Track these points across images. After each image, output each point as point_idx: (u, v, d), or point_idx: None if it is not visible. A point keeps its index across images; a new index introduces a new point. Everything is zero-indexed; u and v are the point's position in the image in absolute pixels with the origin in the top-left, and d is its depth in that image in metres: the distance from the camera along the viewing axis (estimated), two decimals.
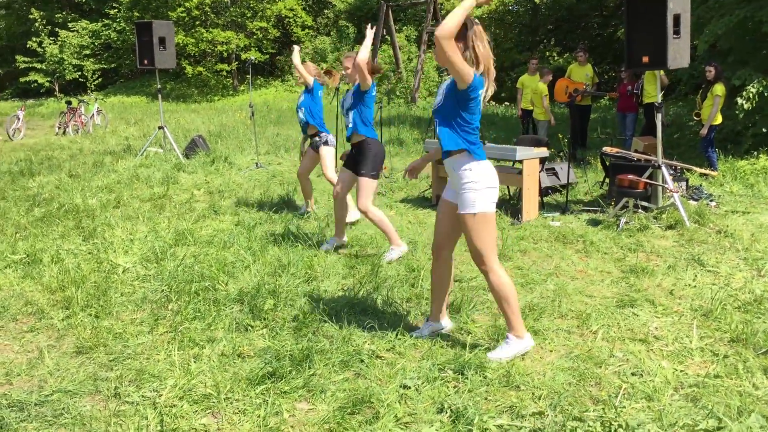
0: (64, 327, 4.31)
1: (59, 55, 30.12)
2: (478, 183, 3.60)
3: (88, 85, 30.28)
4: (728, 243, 6.00)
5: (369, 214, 5.55)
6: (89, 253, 5.89)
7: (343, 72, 5.62)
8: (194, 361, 3.76)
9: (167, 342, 4.04)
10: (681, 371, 3.59)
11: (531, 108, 11.54)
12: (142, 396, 3.37)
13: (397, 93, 24.86)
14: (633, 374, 3.54)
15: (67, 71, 30.42)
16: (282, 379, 3.50)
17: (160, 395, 3.35)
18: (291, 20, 30.23)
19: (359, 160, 5.62)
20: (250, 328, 4.25)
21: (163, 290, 4.91)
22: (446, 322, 4.15)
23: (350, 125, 5.68)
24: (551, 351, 3.87)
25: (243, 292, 4.76)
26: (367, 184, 5.54)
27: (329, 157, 7.00)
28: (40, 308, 4.61)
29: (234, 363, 3.75)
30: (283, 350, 3.82)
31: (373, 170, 5.56)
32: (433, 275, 4.02)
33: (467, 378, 3.49)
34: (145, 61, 11.24)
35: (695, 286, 4.93)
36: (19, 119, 16.22)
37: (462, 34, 3.47)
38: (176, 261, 5.59)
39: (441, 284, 4.01)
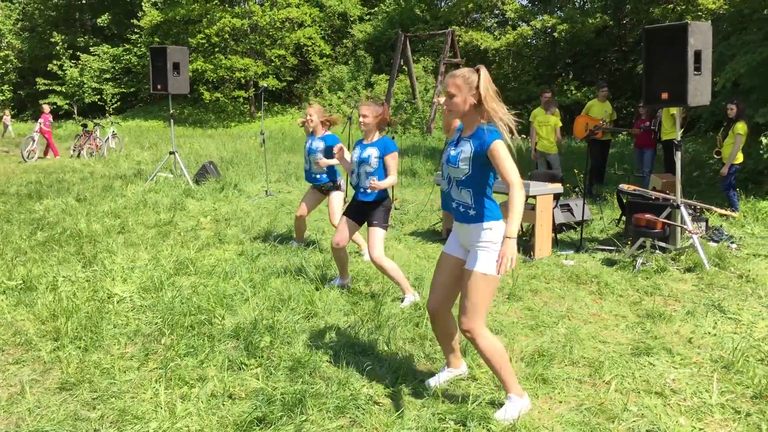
0: (50, 360, 4.13)
1: (79, 79, 30.45)
2: (498, 244, 3.40)
3: (107, 108, 30.55)
4: (750, 288, 5.74)
5: (384, 263, 5.27)
6: (86, 281, 5.74)
7: (360, 120, 5.37)
8: (181, 402, 3.56)
9: (155, 379, 3.84)
10: (700, 429, 3.34)
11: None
12: None
13: (413, 123, 24.80)
14: (648, 431, 3.30)
15: (86, 94, 30.72)
16: (271, 426, 3.29)
17: None
18: (309, 48, 30.41)
19: (368, 210, 5.37)
20: (243, 366, 4.04)
21: (157, 323, 4.73)
22: (465, 367, 3.95)
23: (366, 189, 5.36)
24: (560, 402, 3.63)
25: (239, 328, 4.56)
26: (380, 234, 5.31)
27: (340, 203, 6.81)
28: (29, 339, 4.43)
29: (223, 405, 3.55)
30: (276, 393, 3.61)
31: (384, 221, 5.36)
32: (436, 333, 3.78)
33: (469, 430, 3.27)
34: (159, 86, 11.20)
35: (715, 335, 4.67)
36: (34, 141, 16.26)
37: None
38: (174, 291, 5.41)
39: (448, 336, 3.79)
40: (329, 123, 6.74)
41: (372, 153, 5.27)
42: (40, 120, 16.75)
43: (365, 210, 5.39)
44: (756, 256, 6.79)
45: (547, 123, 10.81)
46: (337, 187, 6.80)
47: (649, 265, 6.30)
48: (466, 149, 3.42)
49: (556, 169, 10.24)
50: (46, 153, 16.77)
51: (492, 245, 3.38)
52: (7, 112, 17.68)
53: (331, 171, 6.77)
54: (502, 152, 3.30)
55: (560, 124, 10.77)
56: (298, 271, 5.98)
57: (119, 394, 3.67)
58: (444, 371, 3.89)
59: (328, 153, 6.59)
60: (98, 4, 33.08)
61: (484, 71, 3.37)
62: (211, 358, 4.14)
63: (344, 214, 5.49)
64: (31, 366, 4.08)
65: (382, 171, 5.30)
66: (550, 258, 6.83)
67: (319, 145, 6.62)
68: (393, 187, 5.67)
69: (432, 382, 3.80)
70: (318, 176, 6.75)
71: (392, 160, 5.27)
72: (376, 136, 5.35)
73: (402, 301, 5.35)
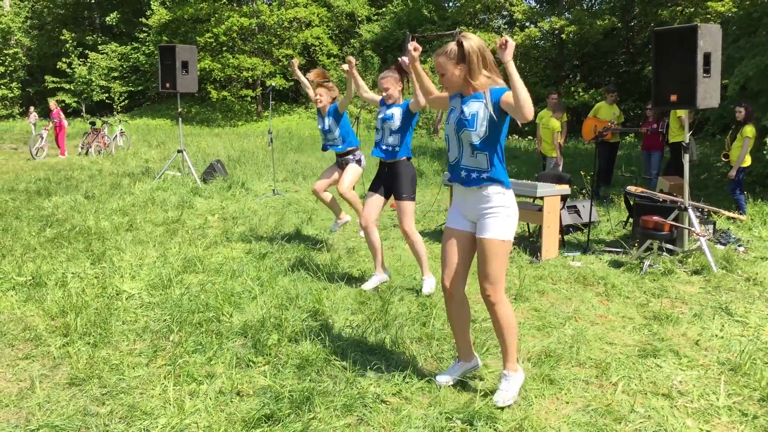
0: (60, 355, 4.16)
1: (88, 77, 30.57)
2: (510, 209, 3.47)
3: (115, 106, 30.65)
4: (757, 292, 5.73)
5: (414, 236, 5.41)
6: (95, 278, 5.77)
7: (384, 93, 5.48)
8: (190, 399, 3.58)
9: (164, 376, 3.86)
10: (707, 431, 3.34)
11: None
12: None
13: (420, 123, 24.82)
14: None
15: (94, 92, 30.85)
16: (279, 423, 3.31)
17: None
18: (317, 48, 30.44)
19: (395, 182, 5.46)
20: (251, 364, 4.06)
21: (165, 320, 4.75)
22: (479, 359, 3.95)
23: (388, 147, 5.49)
24: (567, 403, 3.63)
25: (247, 325, 4.58)
26: (410, 207, 5.42)
27: (356, 175, 6.77)
28: (38, 334, 4.46)
29: (231, 402, 3.56)
30: (284, 390, 3.63)
31: (413, 192, 5.45)
32: (451, 314, 3.76)
33: (476, 429, 3.28)
34: (167, 85, 11.24)
35: (722, 337, 4.67)
36: (42, 138, 16.34)
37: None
38: (182, 289, 5.44)
39: (462, 321, 3.77)
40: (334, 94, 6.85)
41: (395, 112, 5.44)
42: (54, 118, 16.78)
43: (390, 177, 5.49)
44: (763, 259, 6.77)
45: (547, 126, 10.82)
46: (358, 161, 6.81)
47: (657, 268, 6.29)
48: (480, 110, 3.44)
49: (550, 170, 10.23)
50: (58, 140, 16.67)
51: (504, 209, 3.45)
52: (32, 109, 17.59)
53: (349, 139, 6.82)
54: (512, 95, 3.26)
55: (559, 129, 10.74)
56: (305, 270, 6.00)
57: (128, 390, 3.70)
58: (456, 365, 3.86)
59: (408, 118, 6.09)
60: (107, 2, 33.22)
61: (468, 42, 3.38)
62: (219, 355, 4.16)
63: (371, 189, 5.59)
64: (40, 361, 4.10)
65: (406, 129, 5.44)
66: (557, 259, 6.83)
67: (394, 112, 5.96)
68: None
69: (442, 379, 3.77)
70: (334, 146, 6.83)
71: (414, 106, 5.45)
72: (401, 99, 5.52)
73: (422, 289, 5.50)
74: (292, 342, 4.36)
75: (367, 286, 5.61)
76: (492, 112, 3.43)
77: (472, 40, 3.40)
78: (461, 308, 3.74)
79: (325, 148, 6.97)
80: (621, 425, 3.38)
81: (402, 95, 5.57)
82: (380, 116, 5.55)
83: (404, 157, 5.50)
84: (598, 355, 4.27)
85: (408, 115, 5.45)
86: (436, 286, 5.55)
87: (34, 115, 22.57)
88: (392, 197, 5.56)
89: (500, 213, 3.44)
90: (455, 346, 3.94)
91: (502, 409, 3.47)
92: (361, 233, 6.64)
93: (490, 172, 3.47)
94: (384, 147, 5.51)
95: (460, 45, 3.40)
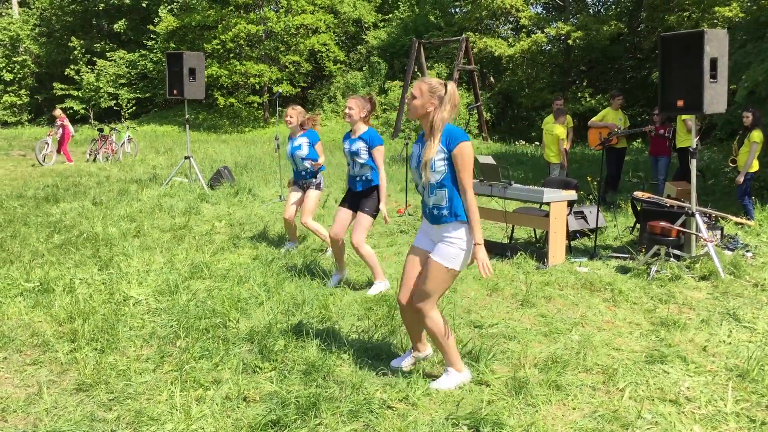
0: (67, 361, 4.18)
1: (95, 84, 30.69)
2: (465, 242, 3.67)
3: (123, 113, 30.77)
4: (765, 297, 5.71)
5: (361, 249, 5.63)
6: (103, 284, 5.79)
7: (346, 111, 5.56)
8: (196, 404, 3.59)
9: (171, 381, 3.87)
10: None
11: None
12: None
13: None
14: None
15: (102, 99, 30.95)
16: (286, 429, 3.31)
17: None
18: (324, 54, 30.50)
19: (361, 199, 5.69)
20: (258, 370, 4.07)
21: (172, 326, 4.77)
22: (430, 349, 4.19)
23: (363, 177, 5.68)
24: (574, 409, 3.63)
25: (254, 331, 4.59)
26: (367, 221, 5.65)
27: (317, 202, 6.96)
28: (46, 340, 4.48)
29: (238, 408, 3.57)
30: (290, 396, 3.63)
31: (375, 209, 5.68)
32: (406, 321, 4.04)
33: None
34: (175, 92, 11.29)
35: (730, 343, 4.65)
36: (48, 145, 16.40)
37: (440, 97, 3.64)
38: (189, 295, 5.45)
39: (416, 325, 4.02)
40: (312, 122, 6.92)
41: (360, 146, 5.59)
42: (60, 123, 16.83)
43: (359, 199, 5.71)
44: None
45: (551, 132, 10.81)
46: (317, 186, 6.92)
47: (664, 273, 6.27)
48: (436, 154, 3.64)
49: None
50: (61, 150, 16.71)
51: (458, 241, 3.66)
52: (58, 110, 17.46)
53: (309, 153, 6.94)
54: (469, 155, 3.58)
55: (563, 136, 10.72)
56: (312, 276, 6.01)
57: (135, 395, 3.71)
58: (409, 355, 4.14)
59: (312, 148, 6.83)
60: (115, 10, 33.31)
61: (451, 87, 3.63)
62: (225, 361, 4.17)
63: (340, 204, 5.84)
64: (48, 367, 4.12)
65: (371, 161, 5.64)
66: (564, 265, 6.82)
67: (302, 142, 6.79)
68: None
69: (395, 363, 4.09)
70: (304, 173, 6.91)
71: (378, 154, 5.64)
72: (363, 129, 5.63)
73: (370, 288, 5.71)
74: (299, 348, 4.36)
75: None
76: (446, 156, 3.64)
77: (455, 91, 3.65)
78: (414, 315, 3.92)
79: (298, 176, 7.01)
80: (628, 431, 3.37)
81: (366, 122, 5.69)
82: (347, 149, 5.70)
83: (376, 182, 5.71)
84: (605, 361, 4.26)
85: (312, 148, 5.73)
86: (387, 291, 5.69)
87: (63, 119, 21.76)
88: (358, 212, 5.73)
89: (455, 244, 3.66)
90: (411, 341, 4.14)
91: (508, 414, 3.46)
92: (329, 251, 6.85)
93: (447, 208, 3.69)
94: (357, 178, 5.72)
95: (444, 87, 3.62)
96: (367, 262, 5.72)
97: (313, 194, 6.85)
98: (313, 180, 6.88)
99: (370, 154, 5.60)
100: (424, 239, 3.89)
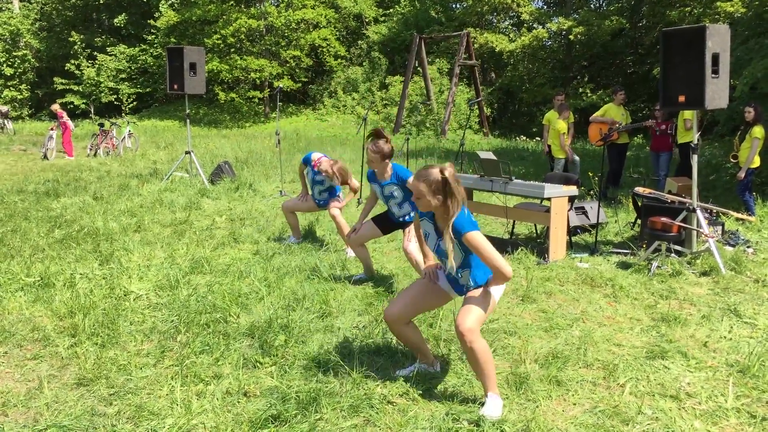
0: (68, 356, 4.18)
1: (96, 78, 30.64)
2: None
3: (123, 108, 30.75)
4: (766, 293, 5.70)
5: (412, 255, 5.71)
6: (103, 278, 5.79)
7: (368, 163, 5.53)
8: (197, 399, 3.59)
9: (171, 376, 3.88)
10: None
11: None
12: None
13: (427, 125, 24.81)
14: None
15: (103, 94, 30.91)
16: (286, 424, 3.31)
17: None
18: (324, 50, 30.45)
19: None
20: (258, 364, 4.07)
21: (173, 321, 4.77)
22: (438, 366, 4.05)
23: (406, 216, 5.71)
24: (574, 404, 3.63)
25: (254, 326, 4.59)
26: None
27: (341, 214, 6.98)
28: (47, 335, 4.48)
29: (238, 403, 3.57)
30: (290, 391, 3.63)
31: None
32: (402, 338, 3.91)
33: (483, 430, 3.27)
34: (175, 86, 11.26)
35: (731, 339, 4.64)
36: (52, 139, 16.40)
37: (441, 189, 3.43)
38: (190, 290, 5.45)
39: (416, 338, 3.91)
40: (340, 178, 6.71)
41: (393, 190, 5.53)
42: (59, 120, 16.82)
43: (395, 228, 5.89)
44: None
45: (553, 128, 10.79)
46: (337, 200, 7.05)
47: (665, 269, 6.27)
48: (450, 246, 3.50)
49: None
50: (66, 144, 16.66)
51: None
52: (56, 105, 17.35)
53: (333, 191, 7.07)
54: (478, 241, 3.39)
55: (564, 131, 10.70)
56: (312, 271, 6.01)
57: (136, 390, 3.71)
58: (413, 367, 3.98)
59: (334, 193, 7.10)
60: (115, 4, 33.25)
61: (449, 172, 3.41)
62: (226, 356, 4.17)
63: (374, 218, 5.89)
64: (49, 362, 4.12)
65: (409, 196, 5.56)
66: (565, 260, 6.81)
67: (328, 187, 7.00)
68: None
69: (401, 373, 3.93)
70: (322, 203, 7.09)
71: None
72: (389, 170, 5.49)
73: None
74: (299, 343, 4.36)
75: (356, 279, 5.92)
76: (457, 243, 3.52)
77: (453, 175, 3.43)
78: (410, 328, 3.86)
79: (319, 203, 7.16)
80: (628, 427, 3.37)
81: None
82: (379, 194, 5.68)
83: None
84: (605, 357, 4.26)
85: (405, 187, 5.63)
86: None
87: (62, 114, 21.76)
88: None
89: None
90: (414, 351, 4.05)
91: (509, 409, 3.46)
92: (349, 252, 6.87)
93: (473, 281, 3.61)
94: (398, 219, 5.77)
95: (442, 174, 3.41)
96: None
97: (336, 212, 6.89)
98: (330, 201, 7.02)
99: (404, 190, 5.49)
100: (446, 280, 3.85)
